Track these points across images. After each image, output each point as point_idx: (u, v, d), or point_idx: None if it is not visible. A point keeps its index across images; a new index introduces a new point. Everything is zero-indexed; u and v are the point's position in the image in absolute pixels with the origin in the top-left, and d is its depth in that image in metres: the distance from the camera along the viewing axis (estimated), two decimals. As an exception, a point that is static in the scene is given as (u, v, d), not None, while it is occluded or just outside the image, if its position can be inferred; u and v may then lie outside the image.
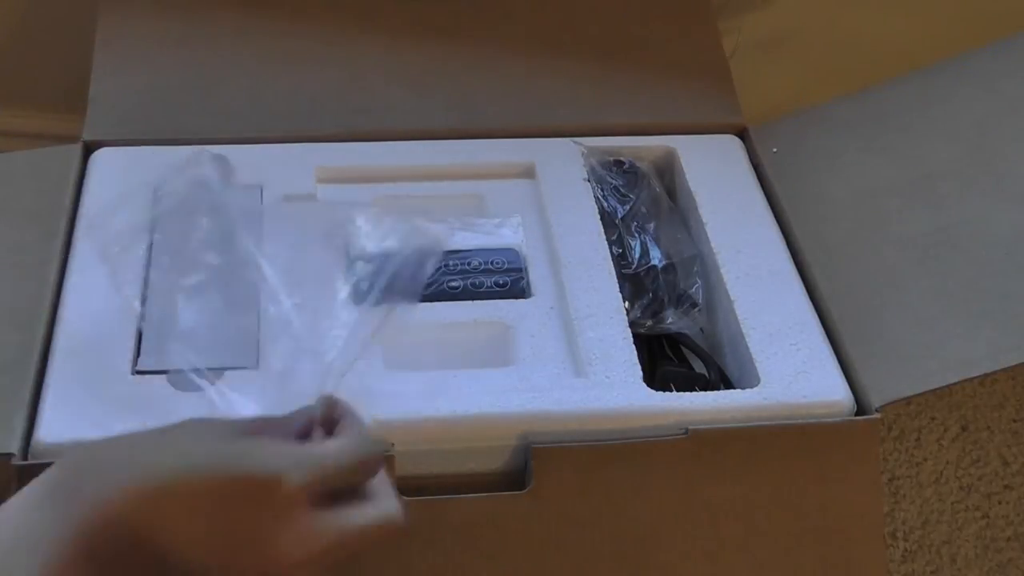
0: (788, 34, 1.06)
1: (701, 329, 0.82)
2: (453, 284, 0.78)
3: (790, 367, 0.75)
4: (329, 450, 0.52)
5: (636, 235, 0.84)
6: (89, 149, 0.85)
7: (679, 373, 0.78)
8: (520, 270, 0.80)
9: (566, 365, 0.75)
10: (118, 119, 0.87)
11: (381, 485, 0.53)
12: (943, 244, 0.79)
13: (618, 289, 0.79)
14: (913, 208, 0.82)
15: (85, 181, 0.83)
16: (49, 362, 0.72)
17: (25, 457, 0.68)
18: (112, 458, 0.48)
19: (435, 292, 0.78)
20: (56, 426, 0.69)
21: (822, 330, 0.77)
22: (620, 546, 0.71)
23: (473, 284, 0.79)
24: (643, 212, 0.85)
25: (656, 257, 0.83)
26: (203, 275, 0.78)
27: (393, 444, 0.70)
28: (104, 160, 0.84)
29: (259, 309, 0.76)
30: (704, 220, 0.84)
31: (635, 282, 0.82)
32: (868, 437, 0.72)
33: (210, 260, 0.79)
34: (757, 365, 0.75)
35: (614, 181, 0.87)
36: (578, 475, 0.71)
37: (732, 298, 0.79)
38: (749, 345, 0.76)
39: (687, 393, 0.74)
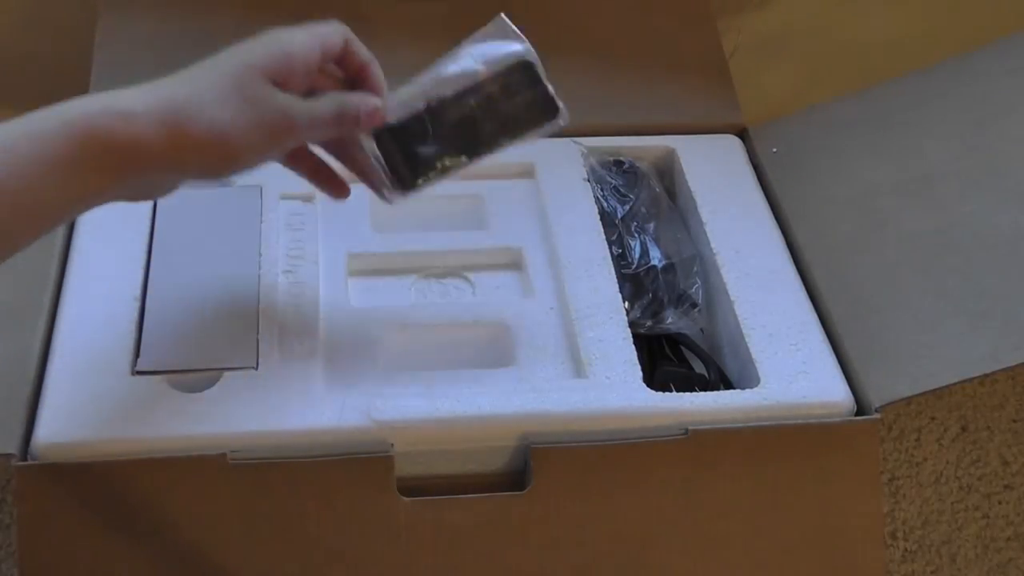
0: (788, 34, 1.06)
1: (701, 329, 0.82)
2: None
3: (790, 367, 0.75)
4: None
5: (636, 235, 0.84)
6: (89, 149, 0.85)
7: (679, 373, 0.78)
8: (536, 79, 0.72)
9: (566, 365, 0.75)
10: (118, 119, 0.87)
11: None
12: (943, 244, 0.79)
13: (618, 289, 0.79)
14: (913, 208, 0.82)
15: (85, 181, 0.83)
16: (49, 362, 0.72)
17: (24, 457, 0.68)
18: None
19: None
20: (56, 426, 0.69)
21: (822, 330, 0.77)
22: (620, 546, 0.71)
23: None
24: (643, 212, 0.85)
25: (656, 257, 0.83)
26: (203, 275, 0.78)
27: (393, 444, 0.70)
28: (104, 160, 0.84)
29: (259, 309, 0.76)
30: (704, 220, 0.84)
31: (635, 282, 0.82)
32: (868, 437, 0.72)
33: (210, 260, 0.79)
34: (757, 365, 0.75)
35: (614, 181, 0.87)
36: (578, 475, 0.71)
37: (732, 298, 0.79)
38: (749, 345, 0.76)
39: (687, 393, 0.74)
